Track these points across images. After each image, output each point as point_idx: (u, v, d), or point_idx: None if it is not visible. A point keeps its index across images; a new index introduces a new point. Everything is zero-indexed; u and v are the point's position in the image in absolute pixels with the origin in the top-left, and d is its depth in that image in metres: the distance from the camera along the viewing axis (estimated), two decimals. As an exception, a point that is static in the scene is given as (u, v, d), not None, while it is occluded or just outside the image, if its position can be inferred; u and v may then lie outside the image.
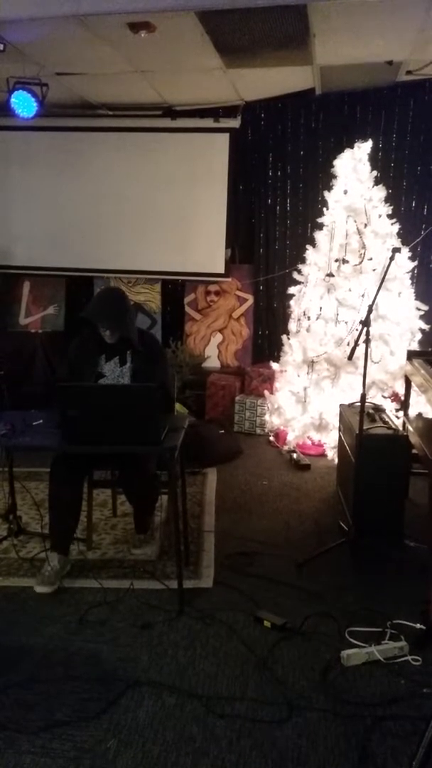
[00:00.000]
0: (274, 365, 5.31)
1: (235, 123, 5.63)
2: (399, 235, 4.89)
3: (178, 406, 4.75)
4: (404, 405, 4.32)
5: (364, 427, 3.27)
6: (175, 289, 6.21)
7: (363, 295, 4.64)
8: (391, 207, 4.86)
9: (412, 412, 4.26)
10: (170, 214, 5.86)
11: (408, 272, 4.89)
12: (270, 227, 5.90)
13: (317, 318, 4.81)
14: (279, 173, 5.80)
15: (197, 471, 4.48)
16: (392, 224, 4.84)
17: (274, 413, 5.14)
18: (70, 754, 2.08)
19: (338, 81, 5.04)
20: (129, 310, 3.23)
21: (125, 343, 3.20)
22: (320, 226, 4.96)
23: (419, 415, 4.11)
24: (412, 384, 4.17)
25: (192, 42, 3.96)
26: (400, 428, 3.76)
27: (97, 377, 3.22)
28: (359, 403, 3.27)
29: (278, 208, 5.86)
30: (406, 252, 4.79)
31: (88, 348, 3.25)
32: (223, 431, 5.09)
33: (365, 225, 4.72)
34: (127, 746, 2.11)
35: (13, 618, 2.81)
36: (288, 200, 5.84)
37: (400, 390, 4.56)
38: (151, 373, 3.13)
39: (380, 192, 4.79)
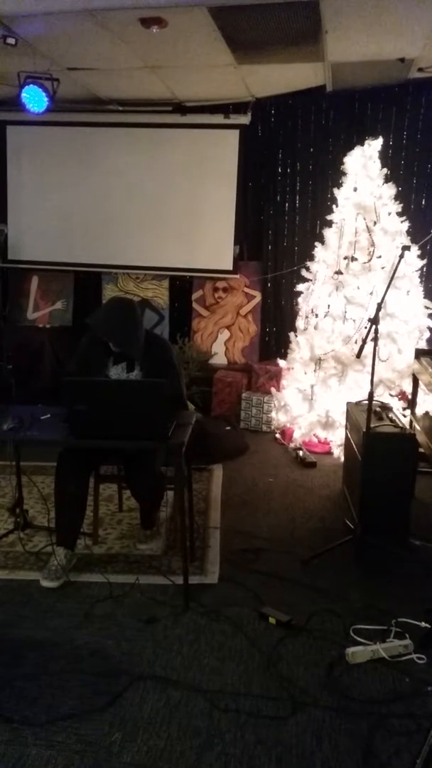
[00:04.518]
0: (281, 362, 5.31)
1: (245, 119, 5.61)
2: (408, 232, 4.88)
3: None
4: (411, 404, 4.31)
5: (371, 426, 3.27)
6: (183, 285, 6.20)
7: (371, 293, 4.63)
8: (401, 205, 4.85)
9: (420, 410, 4.26)
10: (179, 210, 5.86)
11: (417, 270, 4.86)
12: (279, 224, 5.89)
13: (325, 315, 4.80)
14: (288, 170, 5.78)
15: (203, 467, 4.48)
16: (402, 222, 4.82)
17: (281, 410, 5.14)
18: (75, 747, 2.09)
19: (349, 78, 5.02)
20: (137, 325, 3.13)
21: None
22: (329, 224, 4.95)
23: (426, 413, 4.10)
24: (420, 383, 4.16)
25: (203, 37, 3.95)
26: (407, 427, 3.75)
27: None
28: (366, 402, 3.26)
29: (287, 204, 5.85)
30: (415, 250, 4.76)
31: (97, 349, 3.23)
32: (229, 428, 5.09)
33: (375, 222, 4.71)
34: (132, 740, 2.12)
35: (19, 611, 2.83)
36: (297, 197, 5.82)
37: (408, 388, 4.56)
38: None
39: (390, 189, 4.78)
